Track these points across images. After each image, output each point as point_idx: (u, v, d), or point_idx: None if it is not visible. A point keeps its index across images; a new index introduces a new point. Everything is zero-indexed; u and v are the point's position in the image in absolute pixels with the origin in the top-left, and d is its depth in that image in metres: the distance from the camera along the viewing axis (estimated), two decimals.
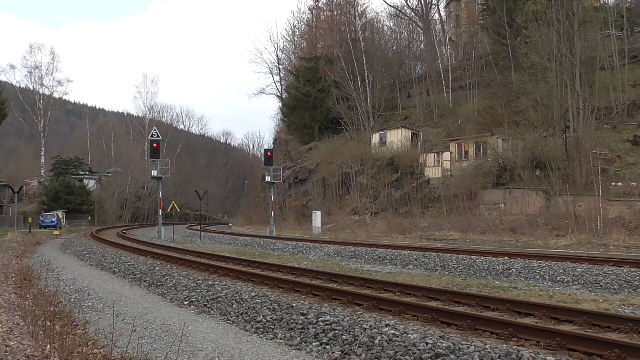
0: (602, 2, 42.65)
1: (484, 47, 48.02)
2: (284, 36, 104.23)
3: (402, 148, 42.44)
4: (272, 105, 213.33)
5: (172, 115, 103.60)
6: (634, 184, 27.60)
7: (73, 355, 5.87)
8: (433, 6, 60.07)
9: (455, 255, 17.29)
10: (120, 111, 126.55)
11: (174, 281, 12.53)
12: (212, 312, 9.37)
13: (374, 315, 8.35)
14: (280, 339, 7.41)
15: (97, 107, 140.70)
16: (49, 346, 6.31)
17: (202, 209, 57.63)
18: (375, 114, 51.57)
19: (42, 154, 75.14)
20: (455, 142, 38.48)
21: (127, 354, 6.26)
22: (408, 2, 62.34)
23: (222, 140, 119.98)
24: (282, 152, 62.99)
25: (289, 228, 43.77)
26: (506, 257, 16.42)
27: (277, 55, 74.94)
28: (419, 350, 6.06)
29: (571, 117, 31.88)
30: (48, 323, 7.47)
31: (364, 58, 52.70)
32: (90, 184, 74.03)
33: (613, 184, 27.96)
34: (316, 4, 67.68)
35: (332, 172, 45.59)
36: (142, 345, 6.94)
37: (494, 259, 16.10)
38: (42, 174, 75.12)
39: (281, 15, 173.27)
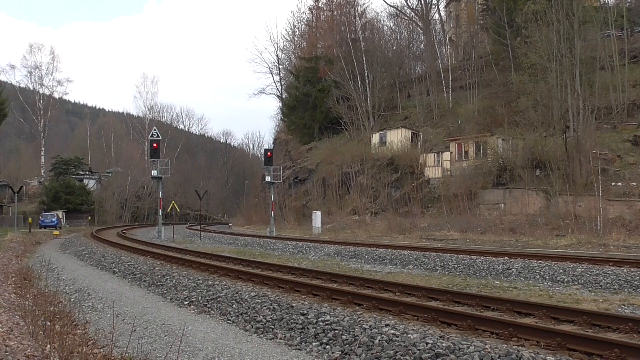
0: (602, 2, 42.63)
1: (484, 47, 48.02)
2: (284, 36, 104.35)
3: (402, 148, 42.44)
4: (272, 105, 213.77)
5: (172, 115, 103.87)
6: (634, 184, 27.61)
7: (73, 355, 5.87)
8: (433, 6, 60.07)
9: (455, 255, 17.28)
10: (120, 111, 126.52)
11: (174, 281, 12.53)
12: (212, 312, 9.37)
13: (374, 315, 8.34)
14: (280, 339, 7.41)
15: (97, 107, 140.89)
16: (49, 346, 6.30)
17: (202, 209, 57.63)
18: (375, 114, 51.57)
19: (42, 154, 75.12)
20: (455, 142, 38.48)
21: (127, 354, 6.26)
22: (408, 2, 62.34)
23: (222, 140, 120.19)
24: (282, 152, 62.98)
25: (289, 228, 43.76)
26: (506, 257, 16.41)
27: (277, 55, 75.00)
28: (419, 350, 6.06)
29: (571, 117, 31.88)
30: (48, 323, 7.47)
31: (364, 58, 52.70)
32: (90, 184, 74.01)
33: (613, 184, 27.96)
34: (316, 4, 67.81)
35: (332, 172, 45.58)
36: (142, 345, 6.94)
37: (494, 259, 16.09)
38: (42, 174, 75.10)
39: (281, 15, 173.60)
